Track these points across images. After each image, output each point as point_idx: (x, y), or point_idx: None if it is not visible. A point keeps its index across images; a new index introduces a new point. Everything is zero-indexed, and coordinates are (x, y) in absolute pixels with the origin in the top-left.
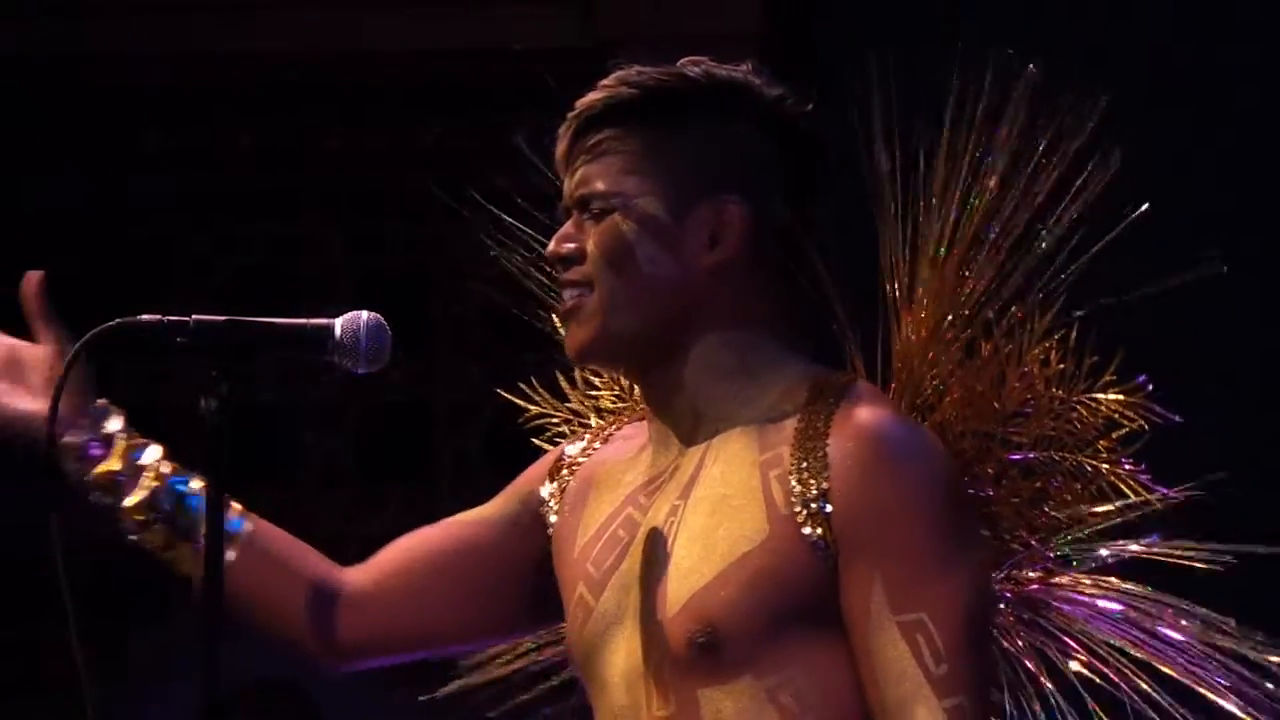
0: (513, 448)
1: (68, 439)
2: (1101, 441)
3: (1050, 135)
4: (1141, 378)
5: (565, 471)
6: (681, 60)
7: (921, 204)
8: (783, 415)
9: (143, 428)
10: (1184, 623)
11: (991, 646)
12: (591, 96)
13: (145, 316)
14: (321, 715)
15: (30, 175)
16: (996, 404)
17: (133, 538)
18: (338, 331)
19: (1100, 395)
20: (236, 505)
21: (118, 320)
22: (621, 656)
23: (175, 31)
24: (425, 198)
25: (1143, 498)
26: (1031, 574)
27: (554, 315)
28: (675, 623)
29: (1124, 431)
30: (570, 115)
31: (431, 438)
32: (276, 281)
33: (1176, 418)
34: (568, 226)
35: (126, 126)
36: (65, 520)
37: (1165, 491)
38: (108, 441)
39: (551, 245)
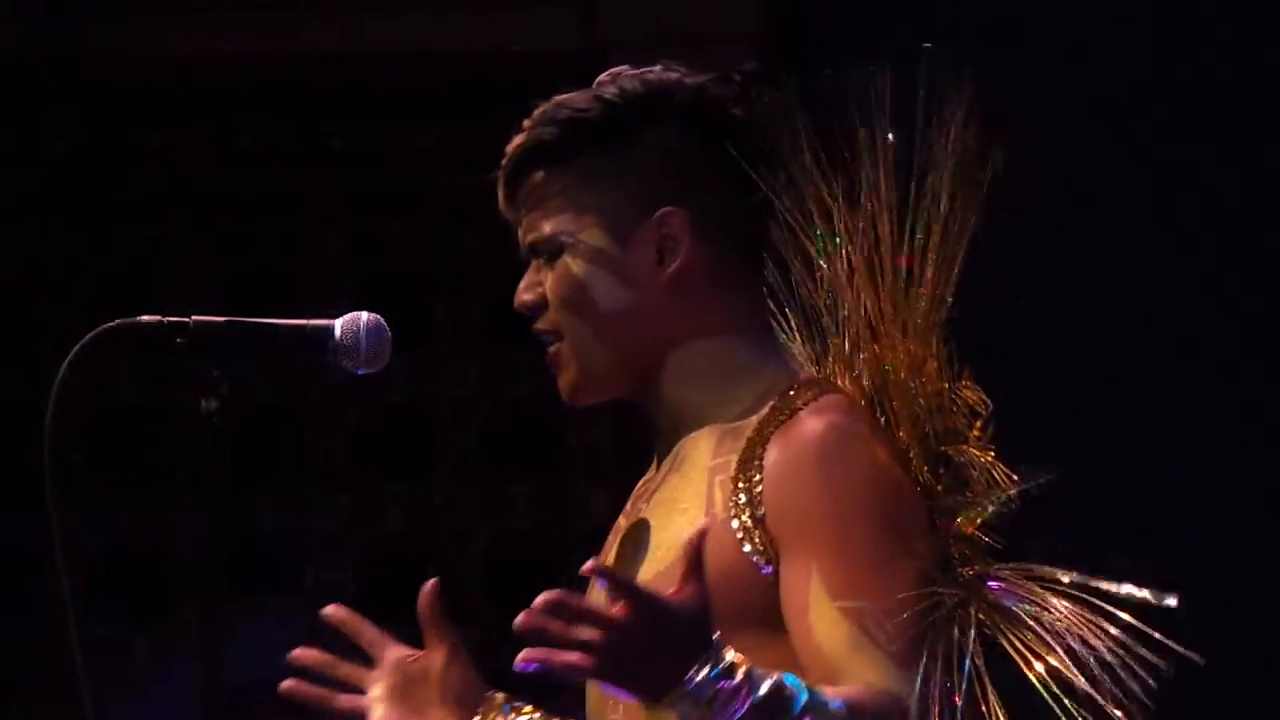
0: (512, 448)
1: None
2: (973, 431)
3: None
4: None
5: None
6: (600, 77)
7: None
8: (746, 422)
9: (143, 428)
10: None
11: (927, 646)
12: (515, 141)
13: (145, 317)
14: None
15: (30, 175)
16: (921, 399)
17: None
18: (338, 332)
19: (964, 386)
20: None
21: (118, 321)
22: None
23: (175, 31)
24: (425, 198)
25: (1014, 485)
26: (974, 569)
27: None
28: None
29: (981, 422)
30: (501, 166)
31: (432, 438)
32: (276, 281)
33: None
34: (529, 274)
35: (126, 126)
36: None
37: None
38: None
39: (517, 296)
